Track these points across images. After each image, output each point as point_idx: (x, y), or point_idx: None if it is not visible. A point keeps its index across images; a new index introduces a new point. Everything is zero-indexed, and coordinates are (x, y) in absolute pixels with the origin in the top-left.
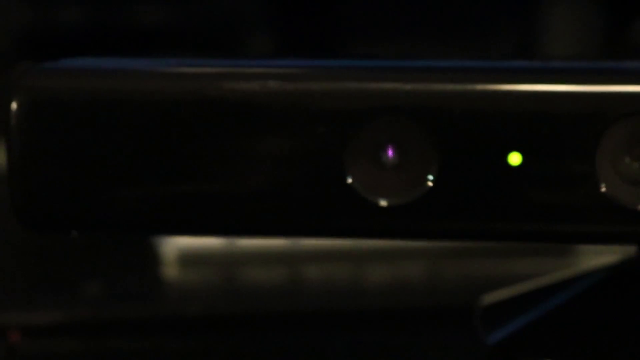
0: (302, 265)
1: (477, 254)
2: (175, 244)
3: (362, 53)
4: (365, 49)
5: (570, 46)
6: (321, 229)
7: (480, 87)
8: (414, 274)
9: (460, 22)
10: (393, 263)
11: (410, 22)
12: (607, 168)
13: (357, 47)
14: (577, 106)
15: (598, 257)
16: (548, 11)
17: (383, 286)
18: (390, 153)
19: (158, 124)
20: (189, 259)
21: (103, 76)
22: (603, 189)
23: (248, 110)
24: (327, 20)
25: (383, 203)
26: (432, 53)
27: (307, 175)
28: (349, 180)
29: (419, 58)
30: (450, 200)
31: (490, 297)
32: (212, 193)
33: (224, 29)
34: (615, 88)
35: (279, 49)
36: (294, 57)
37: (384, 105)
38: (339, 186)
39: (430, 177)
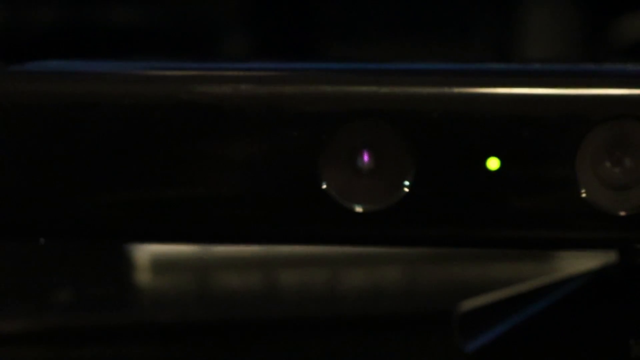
0: (277, 271)
1: (456, 258)
2: (148, 250)
3: (338, 55)
4: (344, 51)
5: (550, 48)
6: (295, 235)
7: (457, 90)
8: (391, 279)
9: (438, 24)
10: (369, 268)
11: (387, 23)
12: (588, 173)
13: (335, 48)
14: (557, 110)
15: (579, 261)
16: (527, 12)
17: (359, 292)
18: (365, 158)
19: (127, 128)
20: (161, 265)
21: (70, 79)
22: (583, 194)
23: (220, 115)
24: (305, 21)
25: (359, 209)
26: (409, 55)
27: (281, 181)
28: (324, 186)
29: (395, 60)
30: (427, 206)
31: (469, 304)
32: (183, 199)
33: (200, 31)
34: (596, 91)
35: (256, 50)
36: (267, 59)
37: (359, 109)
38: (313, 192)
39: (407, 182)
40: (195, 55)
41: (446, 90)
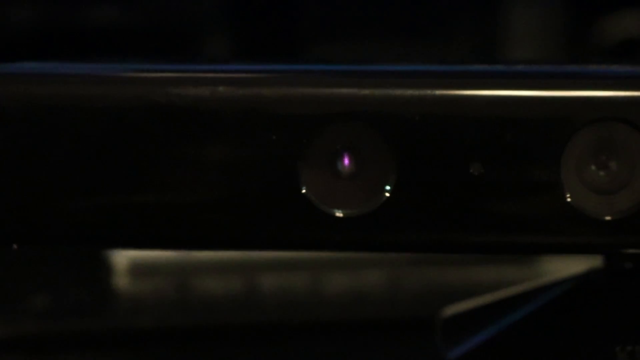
0: (257, 275)
1: (440, 262)
2: (126, 254)
3: (319, 55)
4: (326, 51)
5: (533, 48)
6: (274, 241)
7: (440, 92)
8: (373, 283)
9: (420, 24)
10: (351, 272)
11: (369, 23)
12: (573, 177)
13: (317, 48)
14: (541, 112)
15: (564, 265)
16: (511, 12)
17: (341, 296)
18: (346, 161)
19: (101, 131)
20: (140, 269)
21: (43, 82)
22: (568, 199)
23: (197, 117)
24: (287, 21)
25: (339, 214)
26: (391, 55)
27: (260, 185)
28: (303, 190)
29: (376, 62)
30: (409, 211)
31: (452, 309)
32: (159, 204)
33: (182, 31)
34: (580, 93)
35: (238, 50)
36: (246, 60)
37: (339, 111)
38: (292, 196)
39: (388, 186)
40: (176, 55)
41: (428, 92)
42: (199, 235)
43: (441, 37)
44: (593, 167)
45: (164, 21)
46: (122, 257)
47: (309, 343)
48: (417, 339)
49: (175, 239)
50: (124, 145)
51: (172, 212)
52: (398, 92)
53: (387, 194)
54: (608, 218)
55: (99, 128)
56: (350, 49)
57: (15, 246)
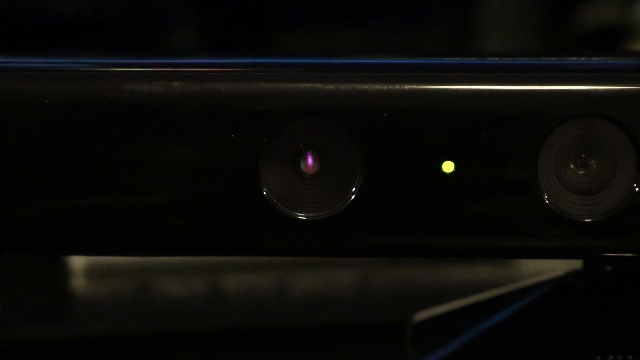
0: (221, 277)
1: (411, 262)
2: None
3: (287, 46)
4: (295, 41)
5: (509, 38)
6: (233, 247)
7: (410, 87)
8: (342, 284)
9: (391, 14)
10: (319, 273)
11: (339, 12)
12: (550, 176)
13: (286, 38)
14: (517, 108)
15: (542, 265)
16: (485, 1)
17: (307, 299)
18: (310, 161)
19: (50, 129)
20: (97, 272)
21: None
22: (546, 200)
23: (150, 115)
24: (255, 10)
25: (302, 217)
26: (358, 47)
27: (218, 187)
28: (265, 192)
29: (342, 55)
30: (376, 213)
31: (423, 314)
32: (112, 207)
33: (147, 22)
34: (559, 87)
35: (206, 41)
36: (203, 54)
37: (302, 107)
38: (253, 198)
39: (355, 187)
40: (140, 47)
41: (397, 87)
42: (152, 241)
43: (411, 26)
44: (572, 166)
45: (129, 11)
46: (78, 259)
47: (274, 348)
48: (387, 346)
49: (129, 246)
50: (73, 145)
51: (124, 216)
52: (365, 87)
53: (354, 195)
54: (588, 220)
55: (46, 126)
56: (318, 40)
57: None
